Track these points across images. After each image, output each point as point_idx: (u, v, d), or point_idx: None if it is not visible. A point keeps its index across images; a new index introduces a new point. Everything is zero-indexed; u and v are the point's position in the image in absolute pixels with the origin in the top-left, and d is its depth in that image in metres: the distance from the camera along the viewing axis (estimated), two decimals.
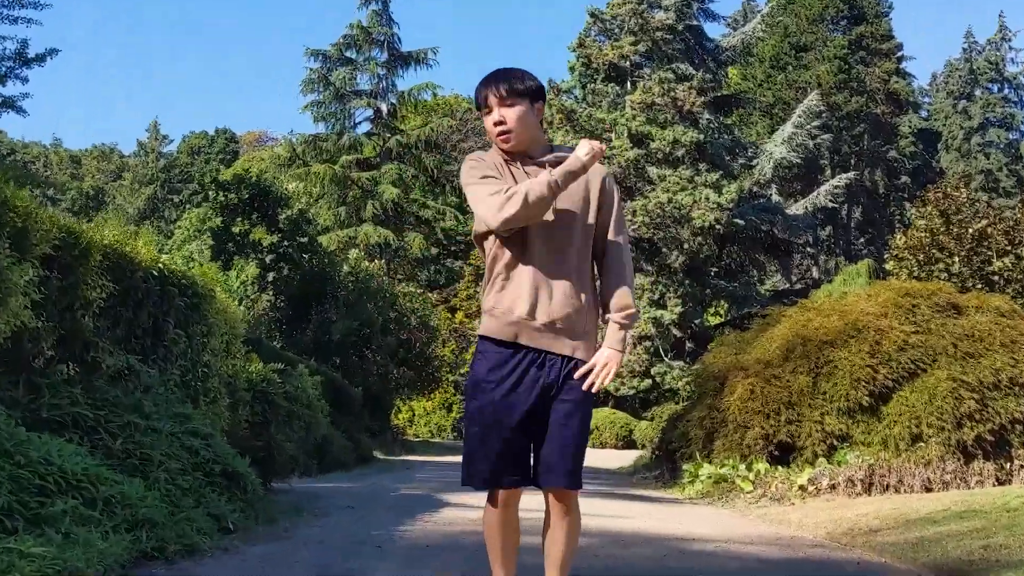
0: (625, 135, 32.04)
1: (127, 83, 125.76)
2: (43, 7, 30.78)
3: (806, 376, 10.91)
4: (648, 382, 31.44)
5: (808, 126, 37.21)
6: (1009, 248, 19.13)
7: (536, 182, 3.17)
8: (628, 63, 33.64)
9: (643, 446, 23.05)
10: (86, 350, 5.73)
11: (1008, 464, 10.03)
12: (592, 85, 33.84)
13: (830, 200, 37.61)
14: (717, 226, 30.65)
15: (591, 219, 3.36)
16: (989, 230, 19.29)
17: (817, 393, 10.79)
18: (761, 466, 10.50)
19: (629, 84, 33.91)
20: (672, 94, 31.64)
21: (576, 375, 3.24)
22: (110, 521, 4.54)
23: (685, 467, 11.72)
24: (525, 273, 3.27)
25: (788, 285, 42.13)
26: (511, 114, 3.31)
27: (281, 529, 6.15)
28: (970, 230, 19.09)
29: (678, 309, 31.11)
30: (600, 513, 7.62)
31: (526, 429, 3.23)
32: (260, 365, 9.62)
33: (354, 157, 40.15)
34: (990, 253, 19.18)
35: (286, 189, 26.51)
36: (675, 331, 31.84)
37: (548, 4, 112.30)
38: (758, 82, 43.10)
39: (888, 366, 10.54)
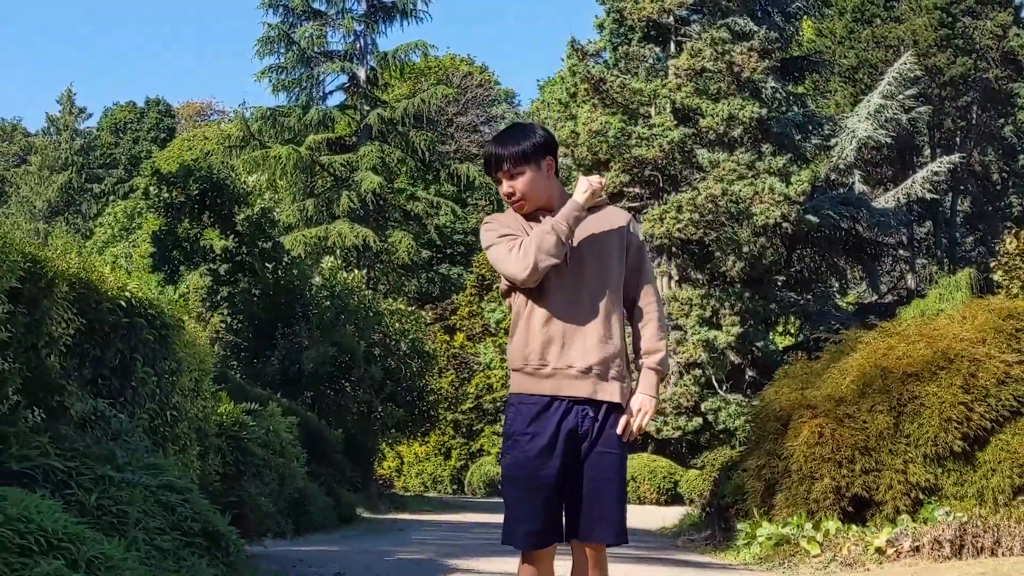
0: (668, 110, 32.86)
1: (33, 43, 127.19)
2: None
3: (886, 416, 11.56)
4: (698, 421, 32.06)
5: (901, 96, 37.90)
6: None
7: (540, 229, 4.10)
8: (671, 18, 34.38)
9: (691, 501, 23.78)
10: (52, 394, 6.53)
11: None
12: (626, 47, 34.56)
13: (929, 190, 38.26)
14: (785, 224, 31.38)
15: (617, 266, 4.26)
16: None
17: (899, 436, 11.45)
18: (831, 524, 11.16)
19: (673, 45, 34.69)
20: (728, 57, 32.39)
21: (615, 427, 4.12)
22: None
23: (740, 526, 12.43)
24: (554, 324, 4.14)
25: (876, 297, 42.83)
26: (519, 184, 4.23)
27: None
28: None
29: (735, 329, 31.80)
30: None
31: (561, 485, 4.09)
32: (230, 405, 10.41)
33: (324, 136, 40.73)
34: None
35: (244, 183, 27.28)
36: (732, 356, 32.54)
37: None
38: (838, 40, 43.71)
39: (985, 403, 11.19)
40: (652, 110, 33.23)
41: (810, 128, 36.51)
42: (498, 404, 40.80)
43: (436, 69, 55.76)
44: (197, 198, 23.10)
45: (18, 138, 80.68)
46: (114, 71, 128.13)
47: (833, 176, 37.75)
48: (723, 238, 31.81)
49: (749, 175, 31.44)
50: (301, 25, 41.83)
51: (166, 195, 23.13)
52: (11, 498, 5.43)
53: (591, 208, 4.27)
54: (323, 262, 28.15)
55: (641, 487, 31.18)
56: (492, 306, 37.76)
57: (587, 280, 4.18)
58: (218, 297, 23.62)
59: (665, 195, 32.69)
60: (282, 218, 34.61)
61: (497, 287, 36.55)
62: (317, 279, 25.92)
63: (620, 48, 34.82)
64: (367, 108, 41.19)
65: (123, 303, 7.33)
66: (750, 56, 32.46)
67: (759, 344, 33.20)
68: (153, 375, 7.76)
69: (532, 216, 4.25)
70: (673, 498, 29.79)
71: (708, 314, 32.32)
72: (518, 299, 4.21)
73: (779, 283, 35.49)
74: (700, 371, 32.54)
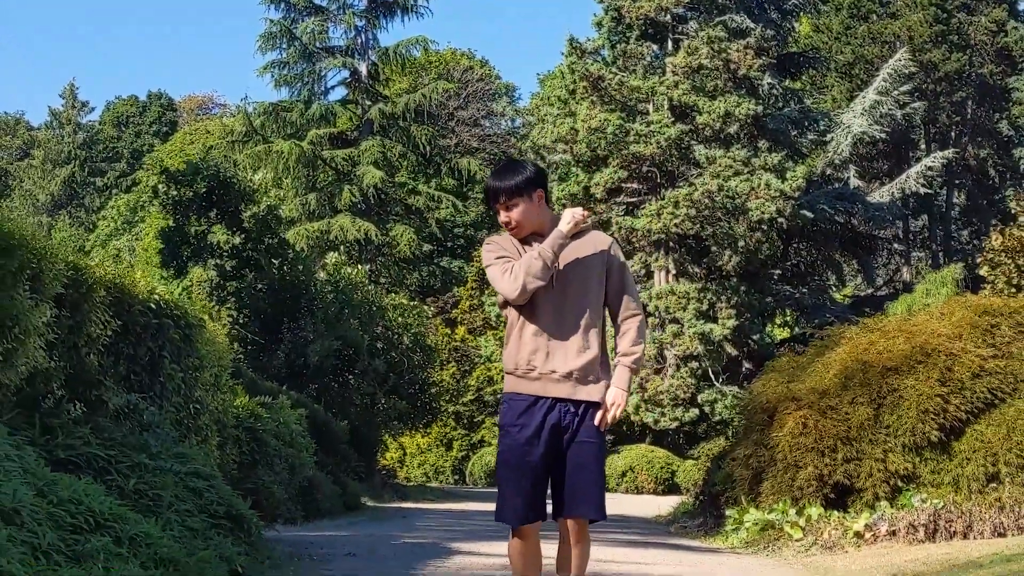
0: (665, 107, 33.40)
1: (36, 38, 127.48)
2: None
3: (867, 407, 12.08)
4: (694, 412, 32.56)
5: (896, 91, 38.42)
6: None
7: (528, 256, 4.87)
8: (669, 16, 34.85)
9: (686, 490, 24.44)
10: (91, 389, 7.18)
11: None
12: (624, 45, 34.87)
13: (923, 184, 38.69)
14: (780, 219, 31.83)
15: (598, 284, 5.06)
16: None
17: (879, 427, 11.97)
18: (814, 511, 11.73)
19: (670, 43, 35.19)
20: (724, 55, 32.87)
21: (593, 420, 4.91)
22: (137, 559, 5.97)
23: (729, 512, 13.03)
24: (542, 334, 4.94)
25: (872, 290, 43.34)
26: (515, 215, 5.02)
27: (289, 573, 7.57)
28: None
29: (731, 322, 32.31)
30: (623, 560, 9.02)
31: (546, 469, 4.88)
32: (245, 398, 11.05)
33: (326, 131, 41.00)
34: None
35: (251, 180, 27.83)
36: (728, 349, 33.07)
37: None
38: (834, 36, 44.17)
39: (961, 396, 11.70)
40: (650, 107, 33.77)
41: (806, 124, 37.01)
42: (498, 396, 41.16)
43: (437, 64, 56.01)
44: (204, 196, 23.62)
45: (21, 132, 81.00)
46: (116, 65, 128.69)
47: (828, 171, 38.28)
48: (719, 233, 32.25)
49: (745, 171, 31.92)
50: (303, 20, 42.11)
51: (174, 193, 23.63)
52: (62, 483, 6.09)
53: (576, 234, 5.02)
54: (327, 258, 28.65)
55: (639, 477, 31.64)
56: (493, 299, 38.25)
57: (570, 298, 4.96)
58: (225, 292, 24.00)
59: (662, 191, 33.14)
60: (285, 212, 34.91)
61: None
62: (321, 274, 26.44)
63: (618, 46, 35.10)
64: (368, 103, 41.52)
65: (152, 305, 7.99)
66: (746, 53, 32.92)
67: (755, 337, 33.67)
68: (179, 371, 8.41)
69: (526, 240, 5.03)
70: (670, 487, 30.28)
71: (705, 307, 32.74)
72: (512, 312, 5.01)
73: (775, 277, 35.98)
74: (697, 363, 33.05)
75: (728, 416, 30.01)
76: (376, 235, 38.97)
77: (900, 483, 11.76)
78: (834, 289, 42.01)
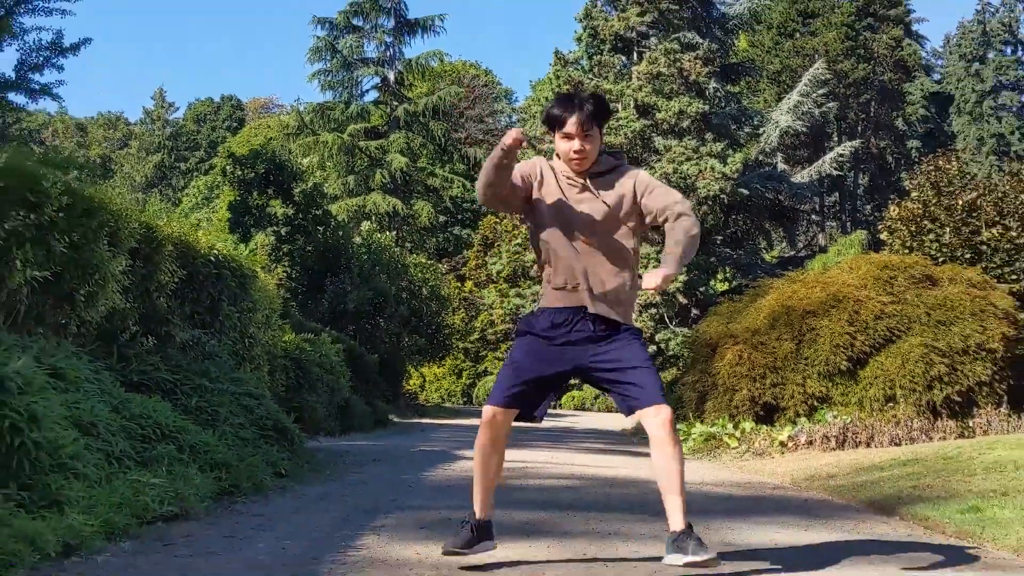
0: (631, 106, 33.07)
1: (132, 50, 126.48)
2: None
3: (790, 343, 11.98)
4: (653, 348, 32.56)
5: (814, 94, 38.07)
6: (998, 219, 20.13)
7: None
8: (634, 33, 34.47)
9: None
10: (161, 325, 6.95)
11: (971, 421, 11.13)
12: (599, 56, 34.65)
13: (835, 168, 38.51)
14: (722, 195, 31.70)
15: (631, 210, 3.97)
16: (979, 201, 20.30)
17: (800, 359, 11.86)
18: (747, 425, 11.61)
19: (635, 55, 34.81)
20: (678, 64, 32.56)
21: (644, 284, 3.87)
22: (196, 463, 5.76)
23: (679, 427, 12.86)
24: (576, 259, 3.91)
25: (794, 252, 43.14)
26: (589, 145, 3.90)
27: (326, 475, 7.38)
28: (960, 202, 20.10)
29: (683, 277, 32.14)
30: (596, 464, 8.83)
31: (559, 378, 3.91)
32: (293, 335, 10.82)
33: (362, 126, 40.76)
34: (979, 224, 20.18)
35: (300, 163, 27.52)
36: (680, 298, 32.96)
37: None
38: (765, 49, 43.83)
39: (865, 334, 11.61)
40: (619, 106, 33.40)
41: (743, 120, 36.69)
42: (498, 335, 41.21)
43: (450, 72, 55.49)
44: (264, 176, 23.39)
45: (121, 127, 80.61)
46: (197, 72, 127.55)
47: (760, 157, 37.93)
48: None
49: (695, 157, 31.76)
50: (343, 37, 41.69)
51: (239, 173, 23.41)
52: (135, 401, 5.87)
53: (607, 173, 4.00)
54: (362, 226, 28.41)
55: (609, 400, 31.57)
56: (494, 260, 38.14)
57: (603, 224, 3.93)
58: (280, 253, 23.90)
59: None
60: (329, 190, 34.76)
61: (498, 245, 36.59)
62: (357, 239, 26.21)
63: (594, 57, 34.86)
64: (395, 103, 41.17)
65: (212, 258, 7.74)
66: (696, 63, 32.61)
67: (701, 289, 33.60)
68: (235, 312, 8.17)
69: (584, 174, 3.97)
70: None
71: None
72: (549, 239, 3.98)
73: (718, 241, 35.76)
74: (655, 310, 33.03)
75: (679, 351, 29.93)
76: (401, 208, 38.85)
77: (816, 403, 11.67)
78: (764, 251, 41.77)
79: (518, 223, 37.07)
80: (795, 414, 11.60)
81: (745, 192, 33.58)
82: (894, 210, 20.47)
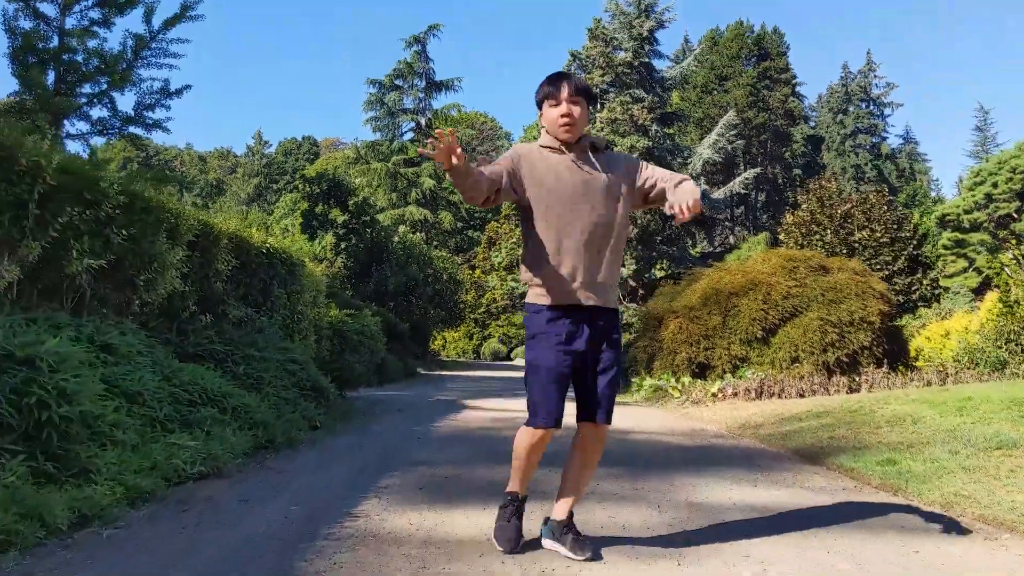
0: None
1: (235, 98, 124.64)
2: (180, 56, 30.27)
3: (718, 317, 11.13)
4: None
5: (728, 135, 36.84)
6: (866, 224, 19.25)
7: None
8: (598, 90, 33.32)
9: None
10: (218, 305, 5.97)
11: (857, 378, 10.31)
12: None
13: (742, 188, 37.34)
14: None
15: (625, 195, 2.91)
16: (853, 211, 19.40)
17: (726, 329, 11.02)
18: (686, 379, 10.75)
19: (599, 105, 33.67)
20: (630, 112, 31.42)
21: (673, 211, 2.72)
22: (236, 423, 4.82)
23: (634, 380, 11.99)
24: (572, 251, 2.83)
25: (712, 249, 42.14)
26: (577, 111, 2.91)
27: (354, 426, 6.44)
28: (838, 211, 19.20)
29: (633, 267, 31.18)
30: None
31: (574, 373, 2.84)
32: (336, 311, 9.85)
33: (402, 157, 39.91)
34: (852, 227, 19.29)
35: (353, 183, 26.50)
36: (631, 282, 31.99)
37: (540, 47, 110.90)
38: (692, 102, 42.68)
39: (776, 310, 10.78)
40: None
41: (676, 153, 35.52)
42: (498, 309, 40.37)
43: (466, 119, 54.50)
44: (327, 191, 22.42)
45: (230, 158, 79.44)
46: (286, 117, 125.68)
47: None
48: None
49: None
50: (388, 94, 40.73)
51: (308, 189, 22.45)
52: (186, 370, 4.92)
53: (604, 150, 3.01)
54: (400, 229, 27.47)
55: None
56: (496, 253, 37.12)
57: (601, 216, 2.83)
58: (340, 248, 23.04)
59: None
60: (378, 203, 33.87)
61: (499, 242, 35.37)
62: (396, 239, 25.24)
63: None
64: (426, 141, 40.29)
65: (264, 250, 6.76)
66: (643, 112, 31.45)
67: (647, 275, 32.62)
68: (284, 294, 7.20)
69: (571, 146, 2.89)
70: None
71: None
72: (540, 228, 2.88)
73: (658, 240, 34.74)
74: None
75: (631, 321, 29.01)
76: (430, 217, 38.10)
77: (738, 363, 10.82)
78: (691, 248, 40.74)
79: (514, 227, 36.04)
80: (723, 371, 10.75)
81: None
82: (789, 218, 19.59)
